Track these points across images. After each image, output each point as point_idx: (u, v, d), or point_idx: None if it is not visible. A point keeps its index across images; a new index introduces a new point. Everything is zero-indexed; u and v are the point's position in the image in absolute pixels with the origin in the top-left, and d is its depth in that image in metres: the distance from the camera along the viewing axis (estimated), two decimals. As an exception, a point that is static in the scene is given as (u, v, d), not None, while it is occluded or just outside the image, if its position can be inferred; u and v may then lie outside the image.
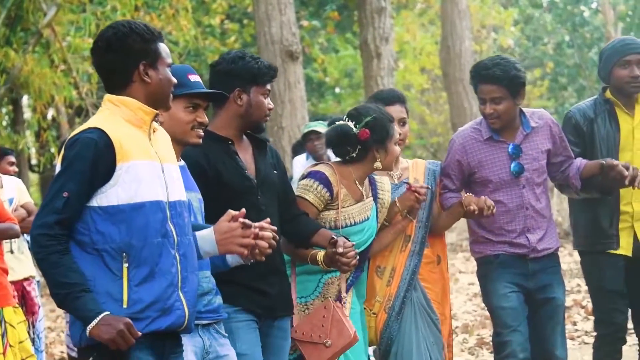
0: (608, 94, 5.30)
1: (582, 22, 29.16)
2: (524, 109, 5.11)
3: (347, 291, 4.56)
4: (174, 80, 3.51)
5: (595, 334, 5.47)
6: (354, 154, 4.57)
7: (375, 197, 4.71)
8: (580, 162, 5.17)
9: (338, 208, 4.53)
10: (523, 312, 5.02)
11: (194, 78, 3.88)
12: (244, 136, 4.32)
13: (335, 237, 4.28)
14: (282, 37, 11.73)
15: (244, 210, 3.54)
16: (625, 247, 5.25)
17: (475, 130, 5.08)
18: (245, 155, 4.25)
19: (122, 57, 3.41)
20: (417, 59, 23.77)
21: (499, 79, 4.90)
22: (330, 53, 22.20)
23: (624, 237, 5.24)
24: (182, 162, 3.87)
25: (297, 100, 11.78)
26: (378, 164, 4.59)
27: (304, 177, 4.57)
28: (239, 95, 4.21)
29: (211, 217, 3.84)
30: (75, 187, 3.28)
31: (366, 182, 4.69)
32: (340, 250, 4.21)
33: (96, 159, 3.29)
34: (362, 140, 4.54)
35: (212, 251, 3.57)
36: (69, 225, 3.29)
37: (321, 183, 4.50)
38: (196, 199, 3.81)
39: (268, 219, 3.62)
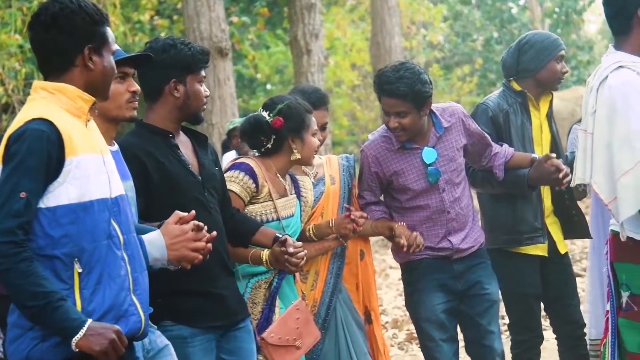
0: (517, 86, 5.23)
1: (510, 18, 29.49)
2: (434, 107, 4.93)
3: (274, 295, 4.43)
4: (116, 69, 3.25)
5: (510, 337, 5.41)
6: (270, 145, 4.43)
7: (299, 195, 4.59)
8: (506, 151, 5.10)
9: (263, 202, 4.38)
10: (451, 325, 4.92)
11: (114, 47, 3.56)
12: (181, 131, 4.07)
13: (282, 236, 4.14)
14: (211, 33, 11.68)
15: (193, 212, 3.35)
16: (541, 247, 5.22)
17: (386, 139, 4.88)
18: (187, 150, 4.00)
19: (67, 37, 3.10)
20: (347, 55, 23.82)
21: (402, 95, 4.69)
22: (261, 49, 22.14)
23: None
24: (116, 147, 3.58)
25: (227, 97, 11.74)
26: (296, 155, 4.45)
27: (227, 170, 4.40)
28: (175, 87, 3.93)
29: (154, 215, 3.70)
30: (32, 185, 2.96)
31: (288, 179, 4.58)
32: (291, 250, 4.06)
33: (49, 153, 2.98)
34: (276, 129, 4.40)
35: (161, 257, 3.32)
36: (29, 230, 2.97)
37: (247, 174, 4.34)
38: (130, 188, 3.53)
39: (196, 220, 3.44)
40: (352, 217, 4.59)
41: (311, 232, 4.69)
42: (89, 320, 2.97)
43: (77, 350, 2.96)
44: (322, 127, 4.79)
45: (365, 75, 24.04)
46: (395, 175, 4.89)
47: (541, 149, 5.25)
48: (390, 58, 18.65)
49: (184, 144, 4.02)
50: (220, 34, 11.75)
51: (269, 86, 24.35)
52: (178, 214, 3.33)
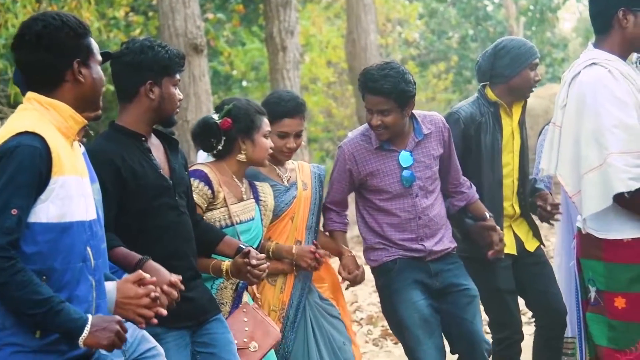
0: (491, 94, 5.26)
1: (486, 16, 29.60)
2: (416, 113, 4.97)
3: (241, 295, 4.44)
4: (104, 78, 3.24)
5: (491, 336, 5.42)
6: (220, 147, 4.44)
7: (257, 200, 4.59)
8: (472, 195, 5.14)
9: (220, 207, 4.39)
10: (435, 321, 4.88)
11: (99, 56, 3.62)
12: (152, 134, 4.05)
13: (245, 247, 4.14)
14: (186, 30, 11.65)
15: (155, 279, 3.27)
16: (509, 246, 5.25)
17: (365, 139, 4.89)
18: (158, 154, 3.98)
19: (55, 55, 3.09)
20: (323, 52, 23.82)
21: (387, 93, 4.71)
22: (236, 46, 22.11)
23: (506, 236, 5.23)
24: (82, 149, 3.51)
25: (202, 93, 11.71)
26: (241, 156, 4.45)
27: None
28: (151, 89, 3.91)
29: (127, 219, 3.73)
30: (23, 202, 2.94)
31: (246, 184, 4.58)
32: (254, 262, 4.06)
33: (40, 170, 2.97)
34: (225, 130, 4.41)
35: (106, 307, 3.24)
36: (18, 246, 2.96)
37: (202, 181, 4.35)
38: (97, 191, 3.46)
39: (180, 277, 3.44)
40: (318, 255, 4.63)
41: (271, 249, 4.69)
42: (90, 317, 3.00)
43: (84, 347, 2.99)
44: (297, 135, 4.79)
45: (341, 72, 24.05)
46: (370, 175, 4.89)
47: (512, 156, 5.29)
48: (366, 55, 18.67)
49: (155, 147, 4.01)
50: (196, 31, 11.72)
51: (244, 83, 24.32)
52: (141, 274, 3.27)
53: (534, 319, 5.52)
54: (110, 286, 3.25)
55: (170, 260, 3.78)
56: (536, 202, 5.32)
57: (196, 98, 11.55)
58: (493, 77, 5.26)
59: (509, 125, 5.29)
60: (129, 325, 3.20)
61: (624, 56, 4.09)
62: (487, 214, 5.10)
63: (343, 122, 24.37)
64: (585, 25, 28.83)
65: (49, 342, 3.02)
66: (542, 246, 5.51)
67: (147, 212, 3.76)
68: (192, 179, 4.33)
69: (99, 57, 3.23)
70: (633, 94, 3.95)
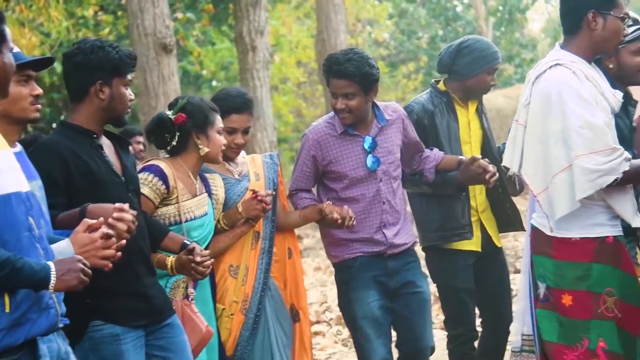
0: (442, 86, 5.33)
1: (455, 16, 29.71)
2: (378, 102, 5.05)
3: (188, 296, 4.44)
4: (14, 65, 3.24)
5: (447, 333, 5.50)
6: (175, 142, 4.48)
7: (210, 193, 4.63)
8: (436, 155, 5.19)
9: (175, 203, 4.42)
10: (386, 322, 4.97)
11: (15, 49, 3.47)
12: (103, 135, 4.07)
13: (189, 243, 4.17)
14: (155, 29, 11.60)
15: (101, 219, 3.32)
16: (474, 242, 5.29)
17: (329, 125, 4.97)
18: (110, 152, 4.02)
19: None
20: (293, 52, 23.83)
21: (351, 75, 4.80)
22: (206, 46, 22.06)
23: (474, 232, 5.29)
24: (19, 148, 3.52)
25: (171, 93, 11.66)
26: (204, 149, 4.48)
27: (138, 172, 4.39)
28: (101, 89, 3.93)
29: (79, 217, 3.67)
30: None
31: (199, 178, 4.61)
32: (198, 259, 4.10)
33: None
34: (179, 126, 4.46)
35: None
36: None
37: (156, 176, 4.38)
38: (39, 187, 3.45)
39: (127, 204, 3.49)
40: (259, 197, 4.63)
41: (222, 222, 4.72)
42: (51, 263, 3.07)
43: (52, 291, 3.07)
44: (245, 131, 4.84)
45: (311, 72, 24.06)
46: (334, 161, 4.95)
47: (470, 146, 5.34)
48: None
49: (107, 146, 4.03)
50: (165, 30, 11.68)
51: (214, 83, 24.27)
52: (86, 222, 3.30)
53: (480, 317, 5.60)
54: (64, 244, 3.28)
55: (123, 256, 3.74)
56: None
57: (165, 98, 11.51)
58: (451, 73, 5.34)
59: (465, 115, 5.36)
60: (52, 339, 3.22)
61: (589, 58, 4.11)
62: (463, 157, 5.14)
63: (313, 122, 24.37)
64: (554, 26, 29.00)
65: (19, 315, 3.05)
66: (523, 230, 5.47)
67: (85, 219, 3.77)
68: (146, 173, 4.38)
69: (12, 45, 3.23)
70: (595, 96, 3.98)
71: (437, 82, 5.38)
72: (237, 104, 4.82)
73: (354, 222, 4.81)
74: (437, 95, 5.32)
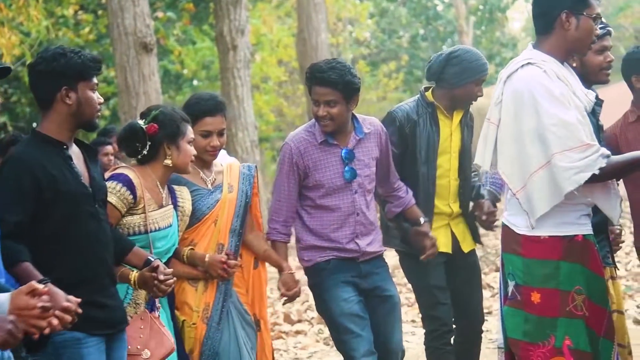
0: (430, 96, 5.41)
1: (436, 16, 29.80)
2: (357, 114, 5.13)
3: (153, 298, 4.46)
4: None
5: (424, 331, 5.57)
6: (145, 152, 4.50)
7: (175, 205, 4.64)
8: (409, 200, 5.30)
9: (141, 213, 4.43)
10: (365, 316, 5.01)
11: None
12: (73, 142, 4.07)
13: (153, 260, 4.19)
14: (135, 28, 11.56)
15: (47, 288, 3.20)
16: (445, 244, 5.40)
17: (310, 134, 5.03)
18: (78, 162, 4.01)
19: None
20: (274, 51, 23.81)
21: (333, 83, 4.88)
22: (187, 45, 22.02)
23: (442, 234, 5.40)
24: None
25: (152, 92, 11.64)
26: (168, 161, 4.50)
27: (105, 180, 4.38)
28: (67, 94, 3.93)
29: (47, 227, 3.78)
30: None
31: (166, 189, 4.61)
32: (162, 277, 4.11)
33: None
34: (151, 135, 4.47)
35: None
36: None
37: (124, 185, 4.39)
38: None
39: (79, 300, 3.38)
40: (226, 266, 4.69)
41: (185, 255, 4.74)
42: None
43: None
44: (220, 133, 4.86)
45: (292, 71, 24.06)
46: (312, 168, 5.00)
47: (449, 157, 5.43)
48: (317, 54, 18.67)
49: (76, 155, 4.04)
50: (145, 29, 11.64)
51: (195, 82, 24.24)
52: (32, 285, 3.17)
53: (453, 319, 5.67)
54: (3, 298, 3.19)
55: (89, 267, 3.85)
56: (475, 212, 5.46)
57: (146, 97, 11.49)
58: (439, 81, 5.41)
59: (448, 126, 5.43)
60: None
61: (562, 59, 4.12)
62: (422, 219, 5.27)
63: (294, 121, 24.39)
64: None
65: None
66: (481, 245, 5.70)
67: (68, 219, 3.79)
68: (114, 182, 4.39)
69: None
70: (569, 95, 3.99)
71: (427, 89, 5.46)
72: (210, 107, 4.84)
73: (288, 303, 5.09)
74: (423, 105, 5.40)
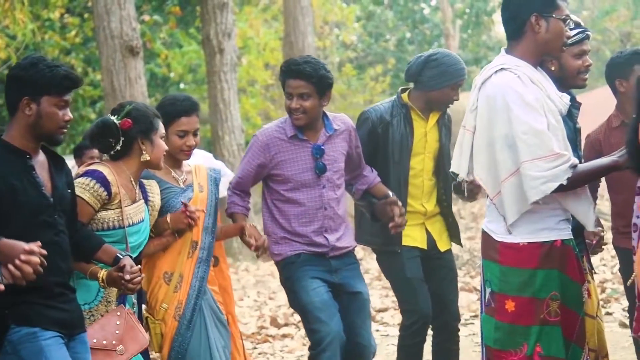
0: (405, 97, 5.48)
1: (422, 19, 29.84)
2: (327, 112, 5.21)
3: (124, 295, 4.48)
4: None
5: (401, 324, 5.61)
6: (119, 147, 4.51)
7: (146, 200, 4.67)
8: (373, 178, 5.38)
9: (115, 208, 4.46)
10: (334, 305, 5.06)
11: None
12: (40, 150, 4.07)
13: (122, 257, 4.21)
14: (122, 31, 11.56)
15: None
16: (419, 240, 5.48)
17: (280, 129, 5.13)
18: (42, 172, 4.00)
19: None
20: (260, 54, 23.79)
21: (308, 76, 4.99)
22: (174, 48, 21.99)
23: (417, 232, 5.48)
24: None
25: (138, 96, 11.63)
26: (145, 156, 4.53)
27: (79, 175, 4.44)
28: (27, 105, 3.92)
29: (4, 236, 3.75)
30: None
31: (137, 184, 4.65)
32: (127, 277, 4.14)
33: None
34: (124, 131, 4.49)
35: None
36: None
37: (98, 182, 4.41)
38: None
39: (39, 242, 3.51)
40: (188, 212, 4.70)
41: (150, 229, 4.76)
42: None
43: None
44: (194, 133, 4.92)
45: (279, 74, 24.02)
46: (281, 164, 5.09)
47: (423, 157, 5.50)
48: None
49: (40, 164, 4.02)
50: (131, 33, 11.63)
51: (182, 85, 24.21)
52: None
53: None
54: None
55: (44, 276, 3.83)
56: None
57: (132, 100, 11.47)
58: (417, 83, 5.49)
59: (422, 127, 5.50)
60: None
61: (535, 62, 4.13)
62: (390, 193, 5.33)
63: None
64: (521, 29, 29.17)
65: None
66: (460, 245, 5.81)
67: (24, 229, 3.80)
68: (88, 179, 4.40)
69: None
70: (542, 99, 3.99)
71: (405, 90, 5.53)
72: (186, 107, 4.90)
73: (266, 252, 5.03)
74: (398, 106, 5.48)
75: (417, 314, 5.43)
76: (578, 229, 4.29)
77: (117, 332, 4.33)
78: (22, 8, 13.32)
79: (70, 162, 10.26)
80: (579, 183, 3.98)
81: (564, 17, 4.08)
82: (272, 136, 5.11)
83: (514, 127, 3.89)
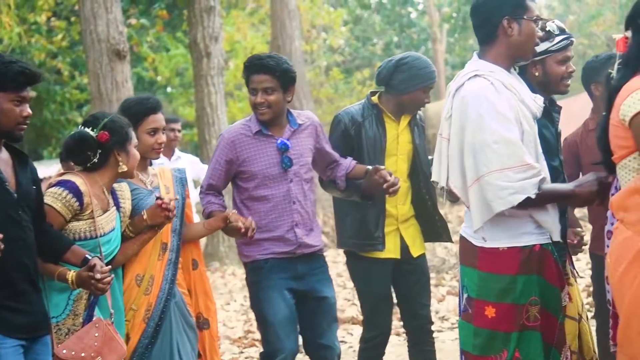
0: (375, 98, 5.49)
1: (410, 23, 29.91)
2: (291, 110, 5.27)
3: (93, 306, 4.46)
4: None
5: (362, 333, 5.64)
6: (96, 159, 4.51)
7: (118, 206, 4.67)
8: (349, 162, 5.37)
9: (87, 219, 4.45)
10: (294, 322, 5.12)
11: None
12: (4, 147, 4.05)
13: (90, 258, 4.20)
14: (108, 35, 11.53)
15: None
16: (392, 250, 5.46)
17: (245, 127, 5.17)
18: (6, 167, 4.00)
19: None
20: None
21: (271, 69, 5.04)
22: (161, 52, 21.99)
23: (391, 239, 5.46)
24: None
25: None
26: (123, 167, 4.54)
27: (52, 185, 4.43)
28: None
29: None
30: None
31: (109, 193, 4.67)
32: (98, 276, 4.12)
33: None
34: (102, 143, 4.49)
35: None
36: None
37: (70, 192, 4.39)
38: None
39: (1, 235, 3.50)
40: (164, 205, 4.69)
41: (128, 230, 4.77)
42: None
43: None
44: (163, 130, 4.95)
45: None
46: (247, 160, 5.13)
47: (396, 159, 5.50)
48: (291, 61, 18.69)
49: (4, 160, 4.02)
50: (118, 36, 11.61)
51: (169, 89, 24.20)
52: None
53: (402, 321, 5.74)
54: None
55: (9, 272, 3.84)
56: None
57: (119, 104, 11.45)
58: (388, 87, 5.49)
59: (394, 129, 5.51)
60: None
61: (508, 66, 4.10)
62: (369, 167, 5.32)
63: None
64: (507, 33, 29.24)
65: None
66: (451, 242, 5.75)
67: None
68: (60, 189, 4.40)
69: None
70: (516, 105, 3.97)
71: (374, 93, 5.56)
72: (153, 104, 4.93)
73: (254, 232, 4.98)
74: (369, 107, 5.50)
75: (377, 329, 5.50)
76: (562, 232, 4.29)
77: (96, 343, 4.31)
78: (8, 11, 13.31)
79: (57, 166, 10.18)
80: (544, 202, 3.96)
81: (534, 18, 4.06)
82: (237, 133, 5.15)
83: (485, 137, 3.86)
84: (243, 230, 4.91)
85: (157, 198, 4.74)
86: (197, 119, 14.69)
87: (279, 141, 5.13)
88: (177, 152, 8.59)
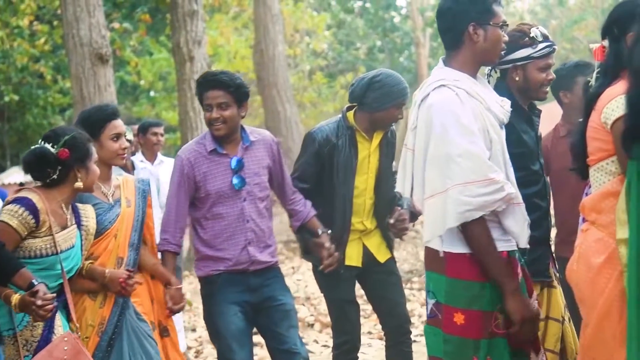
0: (351, 118, 5.50)
1: (393, 27, 29.94)
2: (245, 126, 5.30)
3: (53, 317, 4.45)
4: None
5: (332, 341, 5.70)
6: (55, 176, 4.49)
7: (80, 225, 4.65)
8: (307, 212, 5.44)
9: (44, 236, 4.43)
10: (248, 335, 5.17)
11: None
12: None
13: (36, 284, 4.18)
14: (91, 39, 11.51)
15: None
16: (355, 258, 5.53)
17: (200, 145, 5.21)
18: None
19: None
20: (231, 62, 23.79)
21: (225, 85, 5.09)
22: (144, 56, 21.94)
23: (354, 248, 5.54)
24: None
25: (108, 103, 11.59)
26: (79, 184, 4.52)
27: (9, 202, 4.41)
28: None
29: None
30: None
31: (69, 209, 4.62)
32: (39, 303, 4.11)
33: None
34: (62, 160, 4.47)
35: None
36: None
37: (27, 209, 4.37)
38: None
39: None
40: (124, 284, 4.72)
41: (85, 269, 4.75)
42: None
43: None
44: (123, 135, 4.96)
45: (249, 83, 23.99)
46: (203, 179, 5.15)
47: (366, 177, 5.55)
48: (274, 66, 18.68)
49: None
50: (101, 40, 11.59)
51: (152, 93, 24.16)
52: None
53: (380, 324, 5.77)
54: None
55: None
56: (387, 219, 5.53)
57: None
58: (361, 104, 5.50)
59: (366, 149, 5.55)
60: None
61: (474, 72, 4.05)
62: (320, 230, 5.41)
63: (251, 132, 24.33)
64: (490, 37, 29.31)
65: None
66: (394, 259, 5.78)
67: None
68: (17, 206, 4.39)
69: None
70: (481, 115, 3.92)
71: (350, 108, 5.56)
72: (113, 110, 4.96)
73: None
74: (344, 127, 5.53)
75: (346, 335, 5.57)
76: (541, 237, 4.27)
77: (65, 357, 4.31)
78: (-10, 15, 13.25)
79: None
80: (477, 240, 3.86)
81: (501, 23, 4.01)
82: (192, 151, 5.19)
83: (450, 150, 3.80)
84: (167, 307, 5.02)
85: (128, 270, 4.76)
86: (180, 122, 14.66)
87: (232, 159, 5.15)
88: (159, 156, 8.58)
